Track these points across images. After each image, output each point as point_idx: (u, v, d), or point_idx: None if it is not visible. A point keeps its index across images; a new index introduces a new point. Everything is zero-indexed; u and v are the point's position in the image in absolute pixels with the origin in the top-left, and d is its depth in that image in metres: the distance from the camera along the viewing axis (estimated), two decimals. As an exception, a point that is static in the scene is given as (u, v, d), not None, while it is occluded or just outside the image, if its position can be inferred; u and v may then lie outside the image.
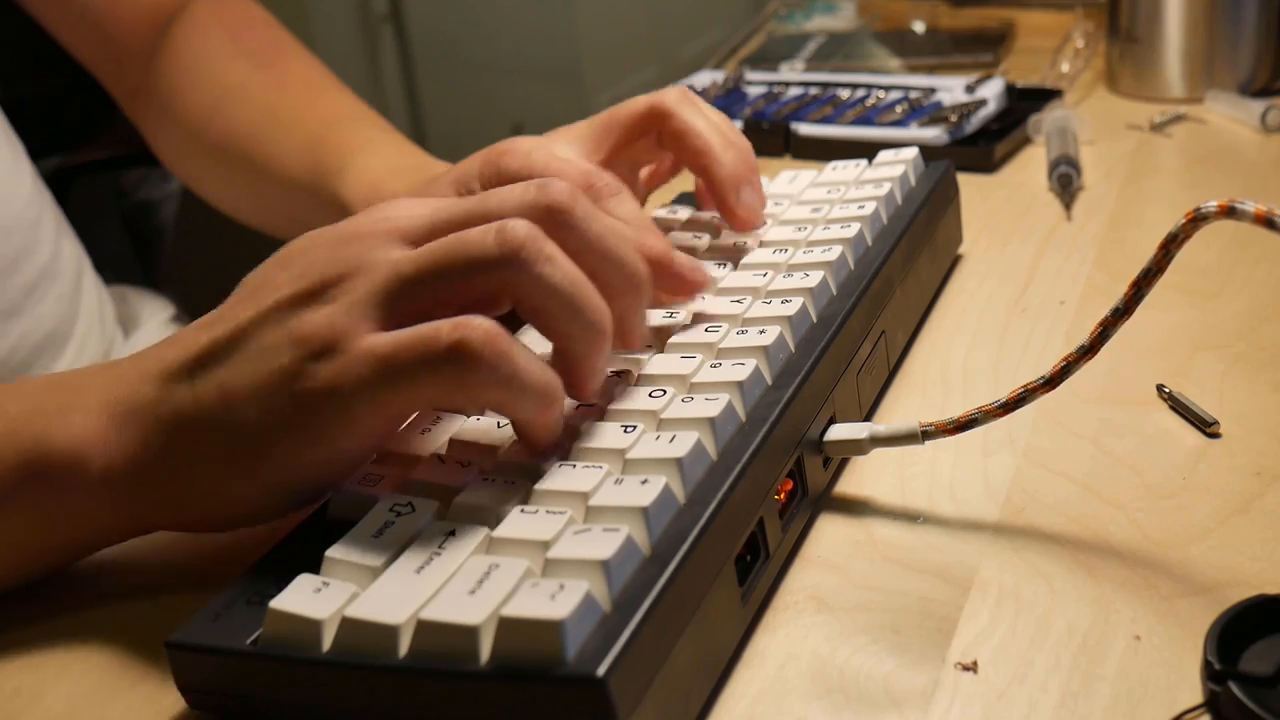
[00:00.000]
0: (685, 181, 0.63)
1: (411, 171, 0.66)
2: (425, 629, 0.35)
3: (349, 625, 0.36)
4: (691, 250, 0.56)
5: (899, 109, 0.85)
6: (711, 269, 0.54)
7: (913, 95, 0.86)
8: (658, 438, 0.41)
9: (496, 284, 0.40)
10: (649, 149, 0.58)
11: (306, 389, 0.40)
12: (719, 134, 0.56)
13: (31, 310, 0.72)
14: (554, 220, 0.42)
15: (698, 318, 0.50)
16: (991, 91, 0.85)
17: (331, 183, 0.69)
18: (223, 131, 0.77)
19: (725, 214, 0.56)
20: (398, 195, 0.62)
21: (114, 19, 0.82)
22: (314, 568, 0.39)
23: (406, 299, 0.40)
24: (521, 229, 0.40)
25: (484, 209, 0.42)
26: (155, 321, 0.88)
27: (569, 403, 0.45)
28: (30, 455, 0.43)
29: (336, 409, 0.40)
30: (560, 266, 0.40)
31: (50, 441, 0.43)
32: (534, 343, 0.47)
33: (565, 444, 0.42)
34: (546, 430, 0.41)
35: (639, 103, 0.57)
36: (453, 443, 0.44)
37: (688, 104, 0.57)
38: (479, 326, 0.39)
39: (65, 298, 0.75)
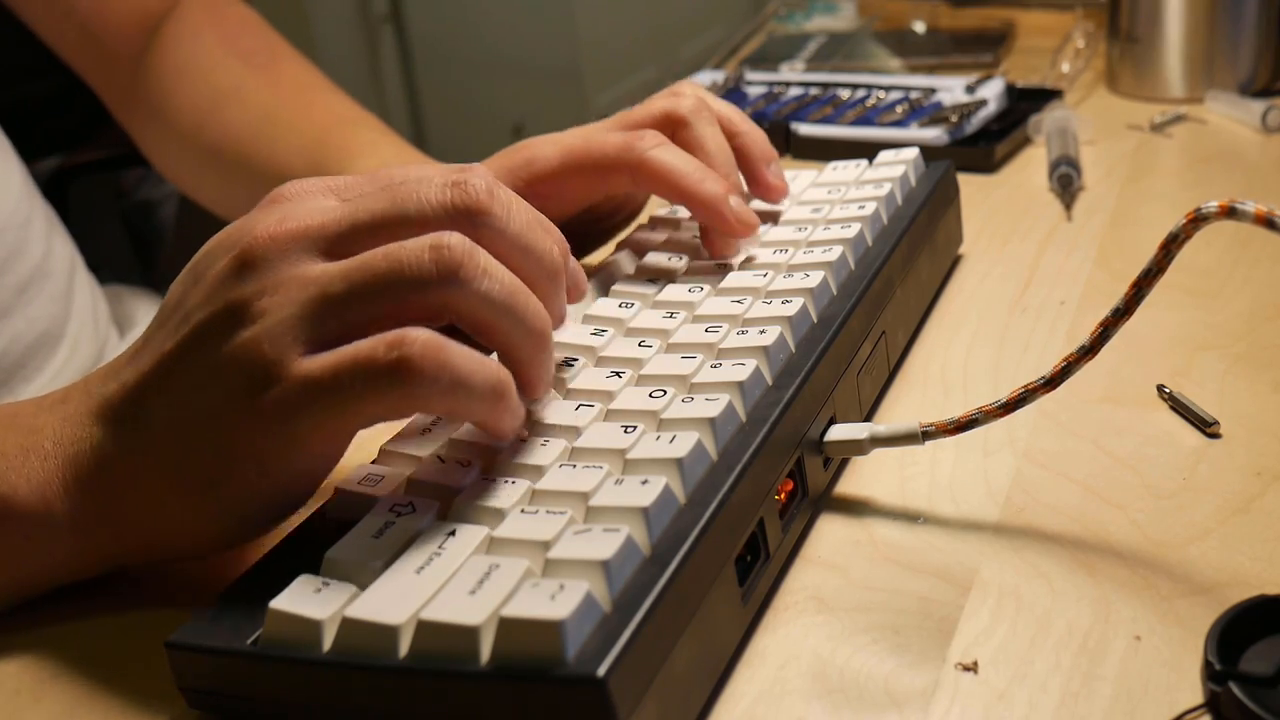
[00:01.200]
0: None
1: None
2: (425, 629, 0.35)
3: (349, 625, 0.36)
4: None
5: (899, 109, 0.84)
6: (711, 268, 0.54)
7: (913, 95, 0.86)
8: (658, 438, 0.41)
9: (434, 301, 0.39)
10: None
11: (248, 422, 0.39)
12: (725, 157, 0.56)
13: (23, 311, 0.72)
14: (474, 222, 0.40)
15: (698, 318, 0.50)
16: (992, 92, 0.85)
17: None
18: (217, 134, 0.77)
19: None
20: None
21: (101, 21, 0.82)
22: (314, 568, 0.39)
23: (335, 318, 0.39)
24: (456, 245, 0.39)
25: (402, 212, 0.41)
26: (150, 320, 0.88)
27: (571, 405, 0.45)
28: None
29: (281, 439, 0.39)
30: (497, 278, 0.40)
31: (13, 487, 0.43)
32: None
33: (565, 444, 0.42)
34: (505, 421, 0.41)
35: (656, 106, 0.57)
36: (453, 443, 0.44)
37: (703, 117, 0.56)
38: (416, 340, 0.38)
39: (58, 298, 0.75)
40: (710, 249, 0.55)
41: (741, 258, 0.55)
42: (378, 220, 0.41)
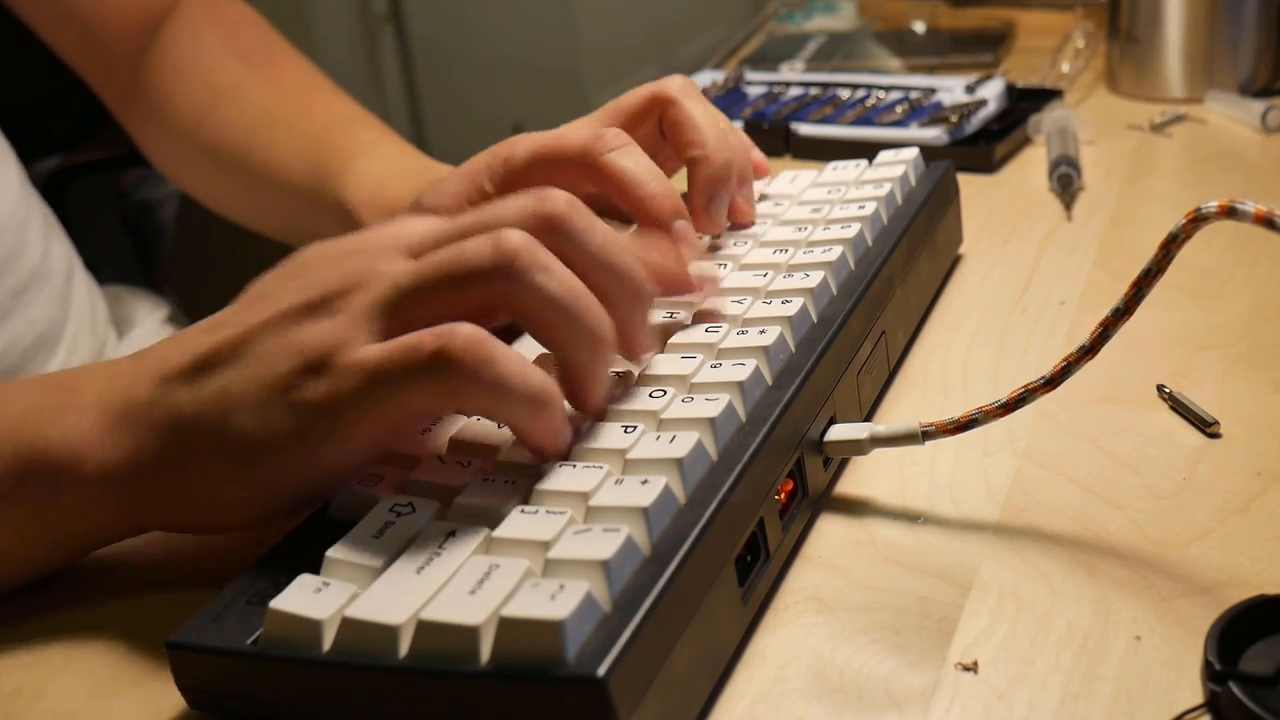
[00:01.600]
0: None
1: (414, 174, 0.66)
2: (425, 629, 0.35)
3: (349, 625, 0.36)
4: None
5: (899, 109, 0.85)
6: (711, 268, 0.54)
7: (913, 95, 0.86)
8: (658, 438, 0.41)
9: (493, 294, 0.40)
10: (650, 136, 0.58)
11: (300, 401, 0.40)
12: (716, 131, 0.56)
13: (21, 312, 0.72)
14: (552, 230, 0.41)
15: (698, 318, 0.50)
16: (991, 92, 0.85)
17: (334, 185, 0.68)
18: (217, 133, 0.77)
19: (692, 212, 0.55)
20: (401, 197, 0.62)
21: (101, 21, 0.82)
22: (314, 568, 0.39)
23: (404, 310, 0.41)
24: (516, 238, 0.40)
25: (484, 221, 0.42)
26: (150, 322, 0.88)
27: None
28: (27, 454, 0.43)
29: (328, 422, 0.40)
30: (556, 275, 0.40)
31: (47, 441, 0.43)
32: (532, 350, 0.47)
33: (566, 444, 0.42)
34: (546, 437, 0.41)
35: (642, 90, 0.58)
36: (453, 443, 0.44)
37: (691, 94, 0.57)
38: (460, 333, 0.39)
39: (55, 299, 0.75)
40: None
41: (742, 253, 0.55)
42: (461, 229, 0.42)
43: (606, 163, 0.52)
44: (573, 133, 0.54)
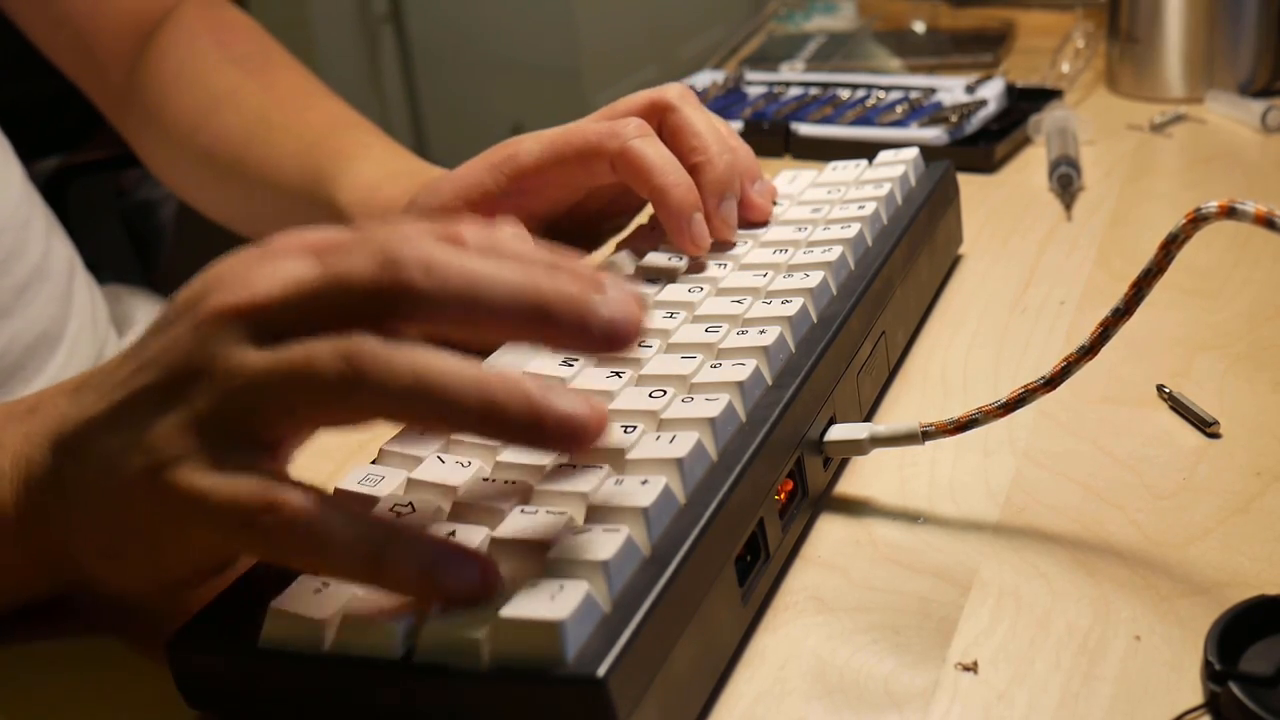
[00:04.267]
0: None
1: (407, 176, 0.66)
2: (425, 629, 0.35)
3: (349, 625, 0.36)
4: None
5: (899, 109, 0.85)
6: (711, 269, 0.54)
7: (913, 95, 0.86)
8: (658, 438, 0.41)
9: (347, 409, 0.36)
10: None
11: (145, 504, 0.37)
12: (717, 136, 0.56)
13: (22, 311, 0.72)
14: (403, 307, 0.36)
15: (698, 318, 0.50)
16: (991, 92, 0.85)
17: (327, 188, 0.68)
18: (212, 138, 0.77)
19: (705, 218, 0.55)
20: (394, 199, 0.62)
21: (95, 27, 0.82)
22: (314, 568, 0.39)
23: (236, 426, 0.37)
24: (366, 353, 0.35)
25: (342, 286, 0.36)
26: (149, 321, 0.88)
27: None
28: None
29: (172, 531, 0.38)
30: (402, 373, 0.35)
31: None
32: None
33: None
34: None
35: (641, 95, 0.57)
36: (453, 443, 0.44)
37: (690, 101, 0.57)
38: (286, 506, 0.35)
39: (57, 298, 0.75)
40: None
41: (742, 253, 0.55)
42: (312, 296, 0.37)
43: (629, 148, 0.52)
44: (588, 126, 0.54)
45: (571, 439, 0.36)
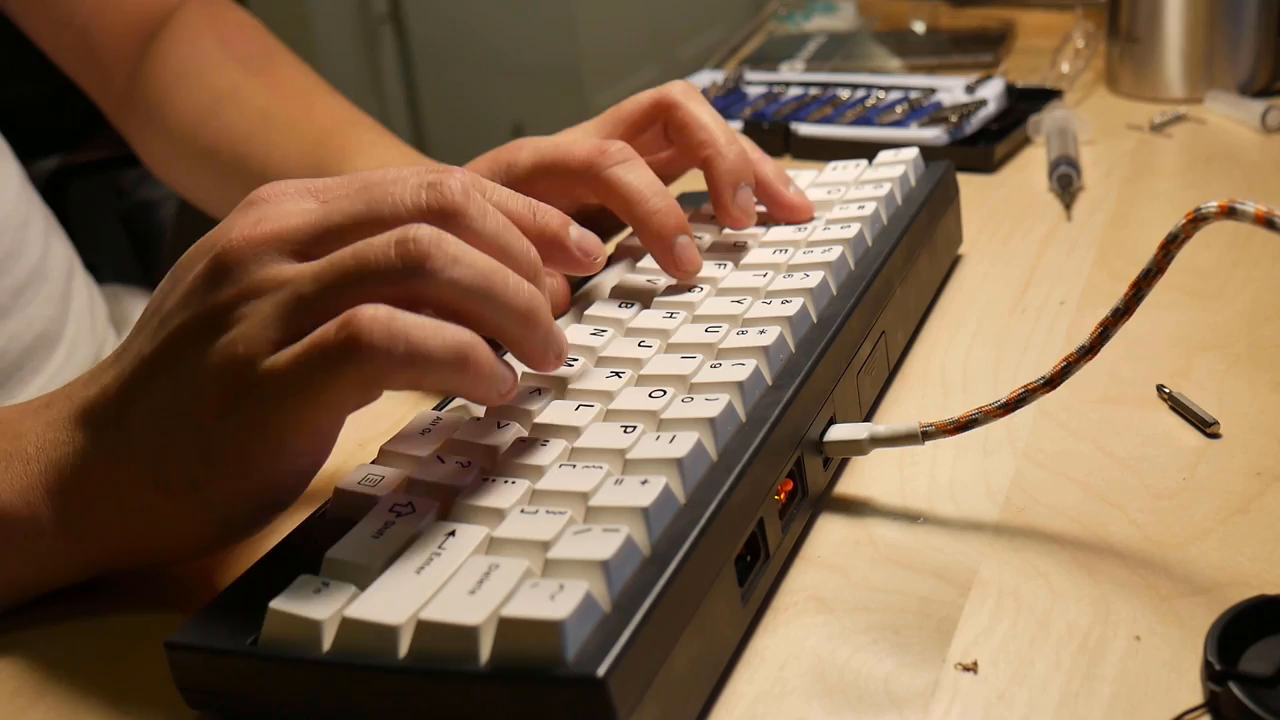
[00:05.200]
0: (690, 180, 0.63)
1: None
2: (425, 629, 0.35)
3: (349, 625, 0.36)
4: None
5: (899, 109, 0.84)
6: (711, 268, 0.54)
7: (913, 95, 0.86)
8: (658, 438, 0.41)
9: (403, 294, 0.39)
10: (655, 141, 0.58)
11: (226, 423, 0.39)
12: (723, 128, 0.56)
13: (21, 311, 0.72)
14: (447, 222, 0.41)
15: (698, 318, 0.50)
16: (991, 92, 0.85)
17: None
18: (215, 137, 0.77)
19: (719, 210, 0.56)
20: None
21: (99, 27, 0.82)
22: (314, 568, 0.39)
23: (306, 317, 0.39)
24: (424, 237, 0.39)
25: (375, 213, 0.41)
26: None
27: (572, 404, 0.45)
28: None
29: (259, 437, 0.39)
30: (467, 263, 0.39)
31: None
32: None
33: (565, 444, 0.42)
34: (480, 391, 0.40)
35: (645, 96, 0.58)
36: (453, 443, 0.44)
37: (693, 97, 0.57)
38: (363, 314, 0.38)
39: (55, 299, 0.75)
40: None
41: (742, 254, 0.55)
42: (351, 221, 0.41)
43: (610, 177, 0.52)
44: (577, 145, 0.53)
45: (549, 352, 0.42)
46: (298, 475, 0.42)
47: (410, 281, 0.39)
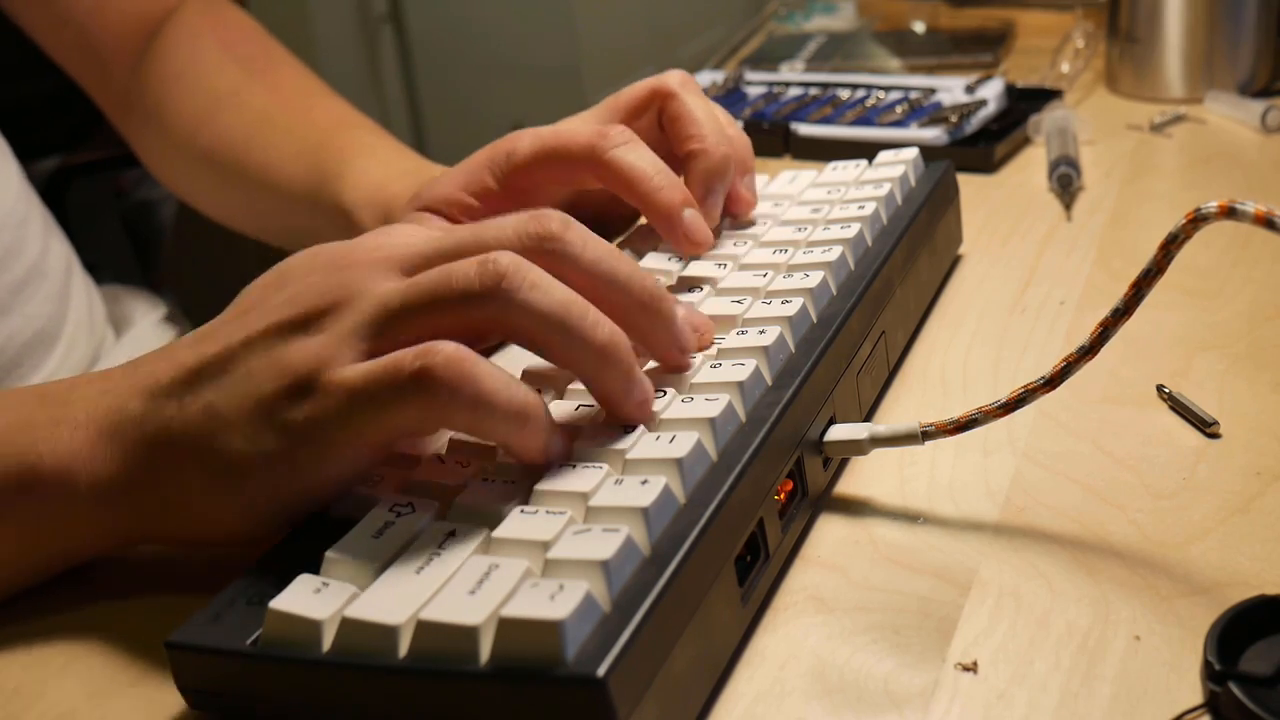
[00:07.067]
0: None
1: (412, 175, 0.66)
2: (425, 629, 0.35)
3: (349, 625, 0.36)
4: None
5: (899, 109, 0.84)
6: (711, 268, 0.54)
7: (913, 95, 0.86)
8: (658, 438, 0.41)
9: (483, 316, 0.40)
10: (650, 130, 0.58)
11: (287, 421, 0.40)
12: (715, 125, 0.56)
13: (19, 310, 0.72)
14: (545, 249, 0.41)
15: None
16: (991, 92, 0.85)
17: (332, 187, 0.69)
18: (214, 138, 0.77)
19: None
20: (399, 197, 0.62)
21: (99, 26, 0.82)
22: (314, 568, 0.39)
23: (391, 330, 0.40)
24: (504, 259, 0.40)
25: (479, 239, 0.42)
26: (147, 321, 0.88)
27: (570, 406, 0.45)
28: (19, 469, 0.43)
29: (314, 442, 0.40)
30: (547, 292, 0.40)
31: (39, 455, 0.43)
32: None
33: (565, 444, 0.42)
34: (531, 451, 0.41)
35: (642, 84, 0.58)
36: (453, 443, 0.44)
37: (691, 89, 0.57)
38: (441, 351, 0.38)
39: (53, 297, 0.75)
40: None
41: (743, 253, 0.55)
42: (456, 247, 0.42)
43: (612, 159, 0.52)
44: (576, 130, 0.54)
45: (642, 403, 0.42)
46: (338, 483, 0.42)
47: (487, 304, 0.40)
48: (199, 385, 0.42)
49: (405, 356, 0.39)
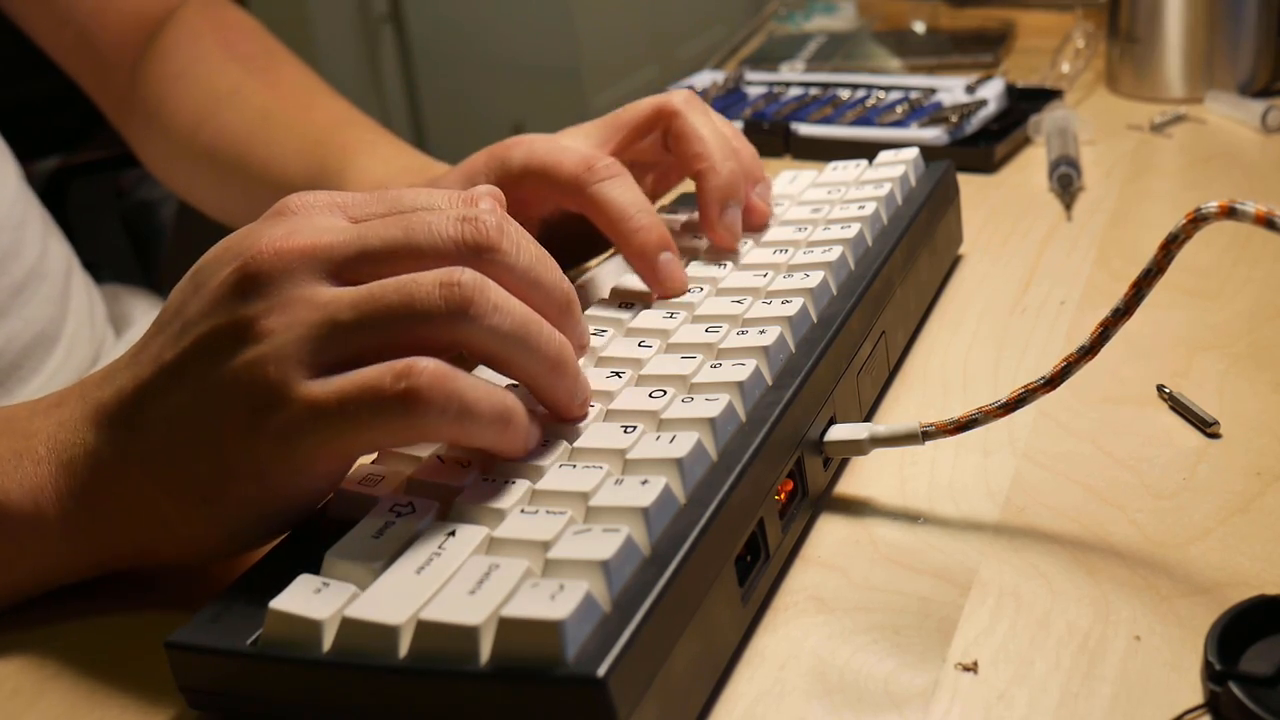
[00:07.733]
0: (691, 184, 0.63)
1: (413, 172, 0.66)
2: (425, 629, 0.35)
3: (349, 625, 0.36)
4: (692, 251, 0.56)
5: (899, 109, 0.84)
6: (711, 269, 0.54)
7: (913, 95, 0.86)
8: (658, 438, 0.41)
9: (445, 335, 0.40)
10: (654, 149, 0.58)
11: (250, 441, 0.39)
12: (721, 142, 0.56)
13: (19, 311, 0.72)
14: (483, 258, 0.41)
15: (698, 318, 0.50)
16: (992, 92, 0.85)
17: (333, 184, 0.69)
18: (215, 136, 0.77)
19: (705, 226, 0.56)
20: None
21: (100, 25, 0.82)
22: (314, 568, 0.39)
23: (342, 345, 0.39)
24: (467, 281, 0.39)
25: (413, 243, 0.41)
26: (147, 320, 0.88)
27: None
28: None
29: (283, 460, 0.39)
30: (509, 314, 0.40)
31: (5, 490, 0.43)
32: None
33: (566, 444, 0.42)
34: (514, 448, 0.41)
35: (646, 102, 0.58)
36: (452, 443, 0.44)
37: (695, 107, 0.57)
38: (425, 371, 0.38)
39: (53, 298, 0.75)
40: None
41: (742, 253, 0.55)
42: (388, 248, 0.41)
43: (594, 194, 0.52)
44: (567, 155, 0.53)
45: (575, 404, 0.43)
46: (313, 495, 0.42)
47: (453, 326, 0.39)
48: (145, 410, 0.41)
49: (384, 377, 0.38)
